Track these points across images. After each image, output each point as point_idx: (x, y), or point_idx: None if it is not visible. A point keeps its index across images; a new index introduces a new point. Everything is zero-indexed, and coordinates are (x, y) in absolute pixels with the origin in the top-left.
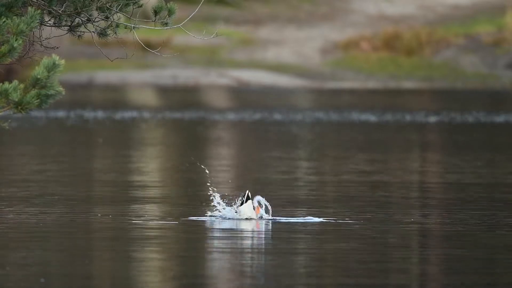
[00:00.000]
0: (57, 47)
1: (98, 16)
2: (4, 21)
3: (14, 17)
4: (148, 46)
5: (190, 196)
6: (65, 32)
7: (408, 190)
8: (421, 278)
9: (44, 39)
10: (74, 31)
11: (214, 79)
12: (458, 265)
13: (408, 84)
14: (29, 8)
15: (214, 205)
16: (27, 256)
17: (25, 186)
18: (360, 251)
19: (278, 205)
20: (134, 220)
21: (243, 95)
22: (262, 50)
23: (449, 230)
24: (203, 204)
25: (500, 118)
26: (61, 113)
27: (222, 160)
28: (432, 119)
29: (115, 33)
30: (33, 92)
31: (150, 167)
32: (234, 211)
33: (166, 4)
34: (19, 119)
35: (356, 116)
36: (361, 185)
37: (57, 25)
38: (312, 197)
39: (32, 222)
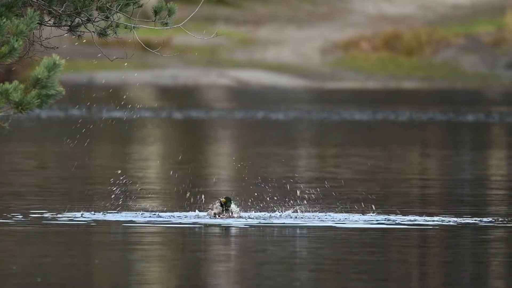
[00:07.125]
0: (57, 47)
1: (98, 16)
2: (4, 22)
3: (14, 17)
4: (148, 46)
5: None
6: (65, 32)
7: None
8: None
9: (44, 39)
10: (74, 31)
11: (214, 79)
12: None
13: (408, 84)
14: (29, 9)
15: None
16: (25, 256)
17: (25, 185)
18: None
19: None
20: (133, 220)
21: (243, 95)
22: (262, 50)
23: None
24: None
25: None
26: (60, 113)
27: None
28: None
29: (115, 33)
30: (34, 92)
31: (149, 164)
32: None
33: (166, 4)
34: (18, 119)
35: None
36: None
37: (57, 25)
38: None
39: (31, 221)
